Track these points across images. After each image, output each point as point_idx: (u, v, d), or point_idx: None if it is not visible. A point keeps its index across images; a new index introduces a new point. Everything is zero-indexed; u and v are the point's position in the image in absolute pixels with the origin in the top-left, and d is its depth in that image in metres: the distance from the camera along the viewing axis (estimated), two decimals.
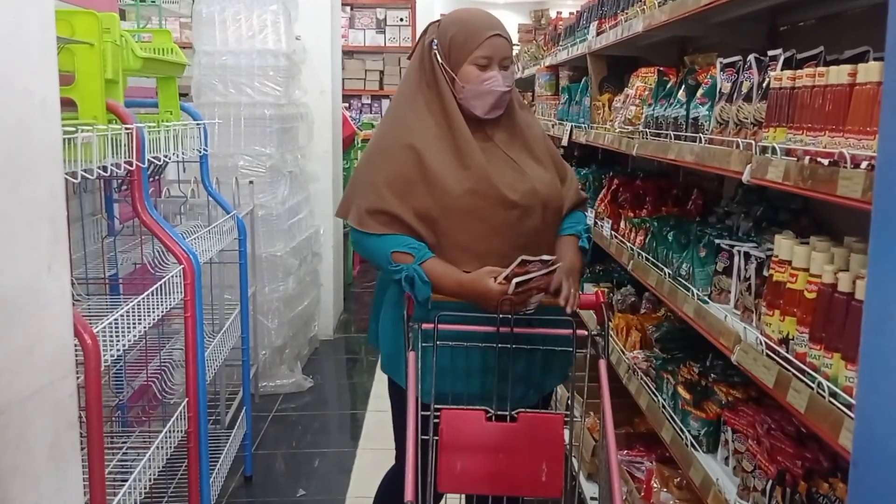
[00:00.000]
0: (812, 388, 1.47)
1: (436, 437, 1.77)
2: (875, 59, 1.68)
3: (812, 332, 1.51)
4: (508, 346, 1.80)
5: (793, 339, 1.60)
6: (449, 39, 1.95)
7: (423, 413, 1.78)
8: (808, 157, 1.50)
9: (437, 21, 2.04)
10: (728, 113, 1.99)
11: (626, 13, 2.97)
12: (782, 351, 1.62)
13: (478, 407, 1.80)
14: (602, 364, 1.86)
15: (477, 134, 1.96)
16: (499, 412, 1.82)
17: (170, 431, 2.15)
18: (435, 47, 1.96)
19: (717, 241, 2.18)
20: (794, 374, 1.55)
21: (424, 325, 1.84)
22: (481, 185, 1.90)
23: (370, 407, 4.31)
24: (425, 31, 2.03)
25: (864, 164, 1.31)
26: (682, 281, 2.25)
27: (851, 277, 1.42)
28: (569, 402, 2.06)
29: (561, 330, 1.88)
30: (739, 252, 2.07)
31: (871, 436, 0.76)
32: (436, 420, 1.78)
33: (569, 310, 1.86)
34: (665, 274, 2.36)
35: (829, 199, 1.40)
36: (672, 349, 2.60)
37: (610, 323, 1.92)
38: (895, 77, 0.75)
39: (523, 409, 1.82)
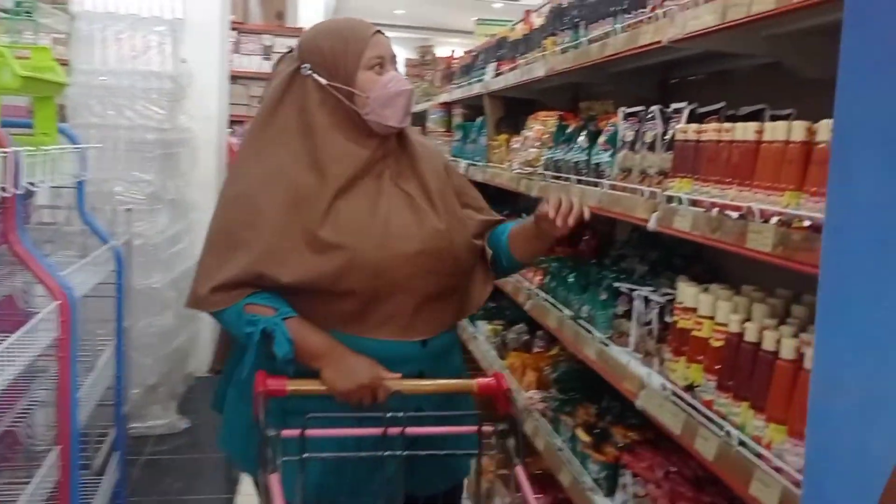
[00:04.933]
0: (721, 436, 1.50)
1: None
2: (773, 118, 1.77)
3: (720, 379, 1.54)
4: (398, 453, 1.47)
5: (699, 386, 1.63)
6: (329, 53, 1.66)
7: None
8: (716, 209, 1.54)
9: (289, 50, 1.75)
10: (631, 161, 2.03)
11: (527, 57, 3.02)
12: (688, 397, 1.65)
13: None
14: (519, 471, 1.54)
15: (373, 165, 1.67)
16: None
17: (39, 483, 1.95)
18: (309, 72, 1.66)
19: (616, 284, 2.21)
20: (701, 422, 1.57)
21: (286, 433, 1.45)
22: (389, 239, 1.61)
23: None
24: (278, 65, 1.76)
25: (774, 219, 1.35)
26: (584, 323, 2.27)
27: (758, 328, 1.46)
28: None
29: (462, 427, 1.58)
30: (639, 296, 2.10)
31: (823, 501, 0.75)
32: None
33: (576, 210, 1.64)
34: (565, 315, 2.38)
35: (739, 252, 1.44)
36: (569, 390, 2.61)
37: (519, 418, 1.60)
38: (842, 146, 0.76)
39: None
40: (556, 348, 3.11)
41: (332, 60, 1.66)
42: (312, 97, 1.66)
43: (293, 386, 1.50)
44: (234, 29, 7.80)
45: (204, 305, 1.61)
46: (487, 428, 1.54)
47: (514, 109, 3.59)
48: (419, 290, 1.62)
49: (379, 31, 1.70)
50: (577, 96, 3.58)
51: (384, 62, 1.68)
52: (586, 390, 2.58)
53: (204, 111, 4.95)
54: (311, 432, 1.43)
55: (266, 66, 8.61)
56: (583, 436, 2.28)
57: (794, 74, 1.83)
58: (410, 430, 1.46)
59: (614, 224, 3.07)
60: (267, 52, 8.59)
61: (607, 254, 2.74)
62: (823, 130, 1.28)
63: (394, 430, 1.45)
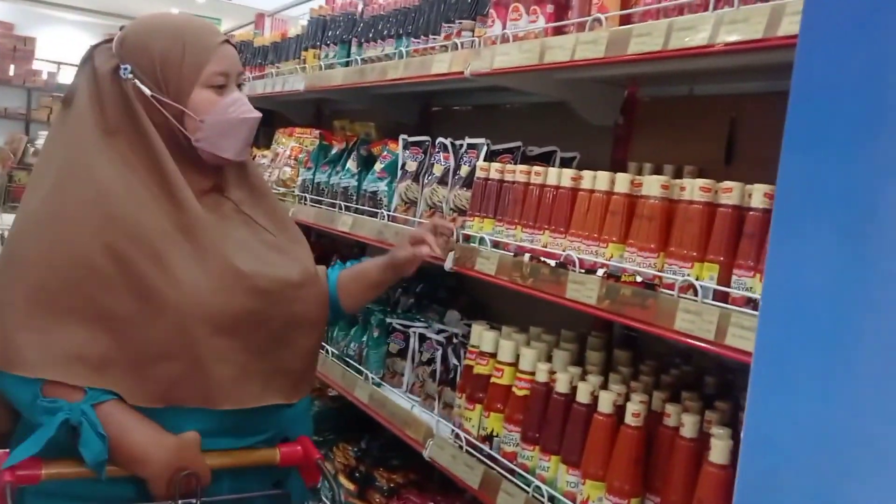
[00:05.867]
0: (527, 492, 1.44)
1: None
2: (565, 161, 1.78)
3: (524, 431, 1.48)
4: None
5: (498, 437, 1.56)
6: (159, 58, 1.30)
7: None
8: (528, 255, 1.49)
9: (108, 41, 1.35)
10: (416, 193, 1.93)
11: (279, 67, 2.79)
12: (487, 448, 1.57)
13: None
14: None
15: (207, 196, 1.33)
16: None
17: None
18: (129, 76, 1.29)
19: (389, 320, 2.10)
20: (504, 476, 1.50)
21: None
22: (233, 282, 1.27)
23: None
24: (90, 59, 1.33)
25: (600, 272, 1.32)
26: (352, 362, 2.12)
27: (568, 378, 1.43)
28: None
29: None
30: (415, 333, 2.01)
31: None
32: None
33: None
34: (330, 354, 2.20)
35: (554, 301, 1.40)
36: (324, 431, 2.44)
37: (339, 489, 1.36)
38: (783, 217, 0.72)
39: None
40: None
41: (163, 68, 1.29)
42: (125, 107, 1.28)
43: (50, 470, 1.14)
44: None
45: (14, 369, 1.16)
46: None
47: None
48: (300, 342, 1.36)
49: (227, 41, 1.36)
50: (319, 111, 3.42)
51: (228, 80, 1.34)
52: (342, 430, 2.43)
53: None
54: None
55: None
56: (348, 484, 2.13)
57: (570, 117, 1.86)
58: None
59: (363, 249, 2.96)
60: None
61: None
62: (651, 185, 1.28)
63: None
